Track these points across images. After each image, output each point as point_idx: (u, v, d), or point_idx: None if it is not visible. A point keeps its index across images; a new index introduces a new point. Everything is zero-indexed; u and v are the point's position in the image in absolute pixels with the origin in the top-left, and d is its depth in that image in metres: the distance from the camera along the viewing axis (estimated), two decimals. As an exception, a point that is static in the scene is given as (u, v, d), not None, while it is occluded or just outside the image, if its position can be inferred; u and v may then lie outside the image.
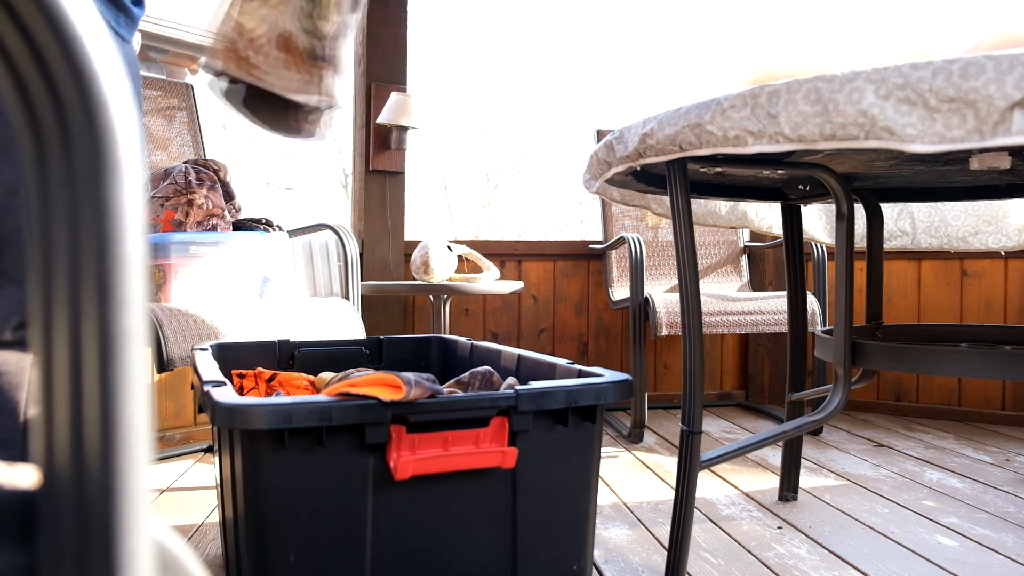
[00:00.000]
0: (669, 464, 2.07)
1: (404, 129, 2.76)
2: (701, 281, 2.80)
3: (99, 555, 0.22)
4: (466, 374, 1.16)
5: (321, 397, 0.85)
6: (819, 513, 1.64)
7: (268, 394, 1.27)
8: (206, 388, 0.90)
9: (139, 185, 0.24)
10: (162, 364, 1.56)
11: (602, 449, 1.03)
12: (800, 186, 1.50)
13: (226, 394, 0.86)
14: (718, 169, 1.27)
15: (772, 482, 1.87)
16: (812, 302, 2.33)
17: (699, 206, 1.74)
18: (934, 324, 1.69)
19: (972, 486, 1.84)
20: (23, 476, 0.24)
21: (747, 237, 2.97)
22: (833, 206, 1.62)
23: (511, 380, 1.10)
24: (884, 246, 1.65)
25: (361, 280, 2.44)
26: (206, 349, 1.28)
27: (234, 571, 1.03)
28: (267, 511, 0.84)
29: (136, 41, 1.05)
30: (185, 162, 2.10)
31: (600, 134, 2.85)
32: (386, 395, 0.84)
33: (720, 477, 1.93)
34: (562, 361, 1.13)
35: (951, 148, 0.81)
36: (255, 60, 0.82)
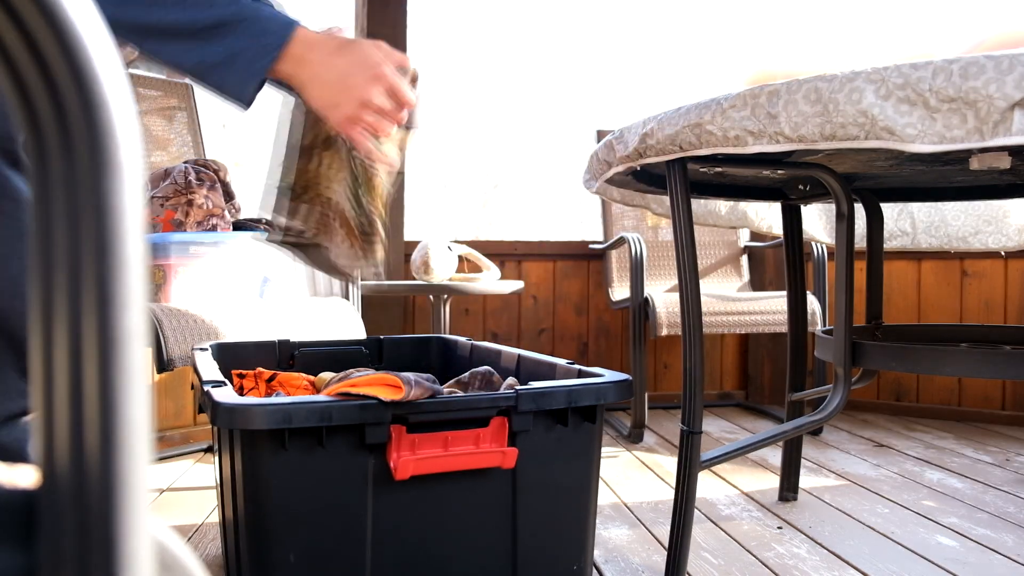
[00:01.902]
0: (669, 464, 2.07)
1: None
2: (701, 281, 2.80)
3: (99, 555, 0.22)
4: (466, 374, 1.16)
5: (321, 397, 0.85)
6: (819, 513, 1.64)
7: (268, 394, 1.27)
8: (206, 388, 0.90)
9: (139, 185, 0.24)
10: (162, 364, 1.56)
11: (602, 449, 1.03)
12: (800, 186, 1.50)
13: (226, 394, 0.86)
14: (718, 169, 1.27)
15: (772, 482, 1.87)
16: (812, 302, 2.33)
17: (699, 206, 1.74)
18: (934, 324, 1.69)
19: (972, 486, 1.84)
20: (23, 476, 0.24)
21: (747, 237, 2.97)
22: (833, 206, 1.62)
23: (511, 380, 1.10)
24: (884, 246, 1.65)
25: (361, 280, 2.44)
26: (206, 349, 1.28)
27: (234, 571, 1.03)
28: (267, 511, 0.84)
29: None
30: (185, 162, 2.10)
31: (600, 134, 2.85)
32: (386, 395, 0.84)
33: (720, 477, 1.93)
34: (562, 361, 1.13)
35: (951, 148, 0.81)
36: (333, 232, 0.85)
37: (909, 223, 2.08)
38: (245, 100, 0.78)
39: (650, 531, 1.53)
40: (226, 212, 2.06)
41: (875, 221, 1.56)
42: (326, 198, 0.87)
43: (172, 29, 0.72)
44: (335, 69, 0.75)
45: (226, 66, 0.74)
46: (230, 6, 0.73)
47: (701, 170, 1.30)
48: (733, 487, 1.84)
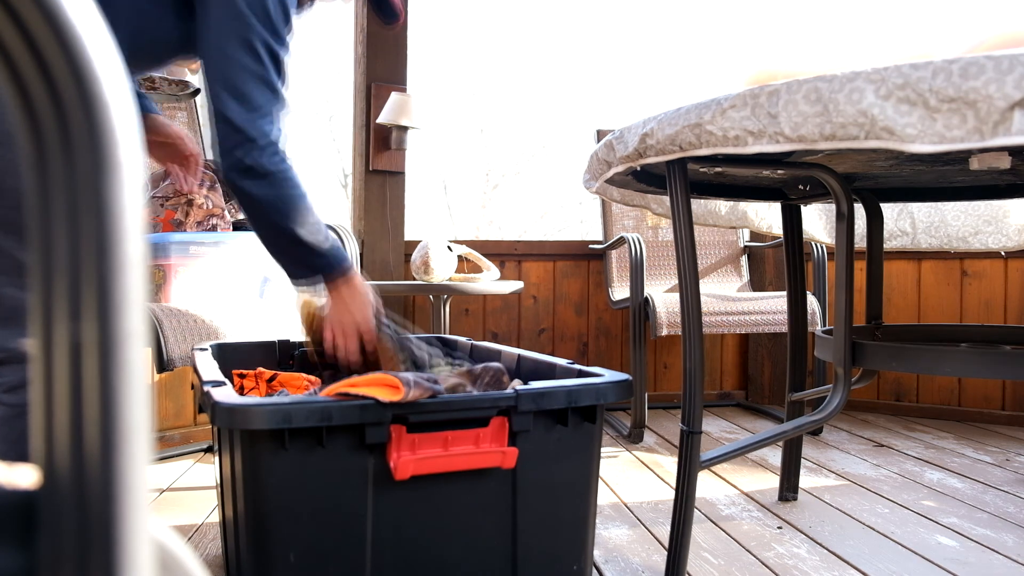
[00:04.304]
0: (669, 464, 2.07)
1: (404, 129, 2.76)
2: (701, 281, 2.80)
3: (99, 555, 0.22)
4: (479, 366, 1.15)
5: (321, 397, 0.85)
6: (819, 513, 1.64)
7: (269, 394, 1.27)
8: (206, 388, 0.90)
9: (139, 185, 0.24)
10: (162, 364, 1.56)
11: (602, 449, 1.03)
12: (800, 186, 1.50)
13: (226, 394, 0.86)
14: (718, 169, 1.27)
15: (772, 482, 1.87)
16: (812, 302, 2.33)
17: (699, 206, 1.74)
18: (934, 324, 1.69)
19: (972, 486, 1.84)
20: (23, 476, 0.24)
21: (747, 237, 2.97)
22: (833, 206, 1.62)
23: (517, 382, 1.10)
24: (884, 246, 1.65)
25: (361, 280, 2.44)
26: (206, 349, 1.28)
27: (234, 571, 1.03)
28: (267, 511, 0.84)
29: None
30: (185, 162, 2.09)
31: (600, 134, 2.85)
32: (385, 396, 0.84)
33: (720, 477, 1.93)
34: (562, 361, 1.13)
35: (951, 148, 0.81)
36: None
37: (909, 223, 2.08)
38: (296, 283, 1.20)
39: (650, 531, 1.53)
40: (226, 212, 2.06)
41: (875, 221, 1.56)
42: None
43: (302, 242, 1.13)
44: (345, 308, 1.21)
45: (308, 272, 1.18)
46: (330, 244, 1.19)
47: (701, 170, 1.30)
48: (733, 487, 1.84)
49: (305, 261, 1.16)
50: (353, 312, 1.21)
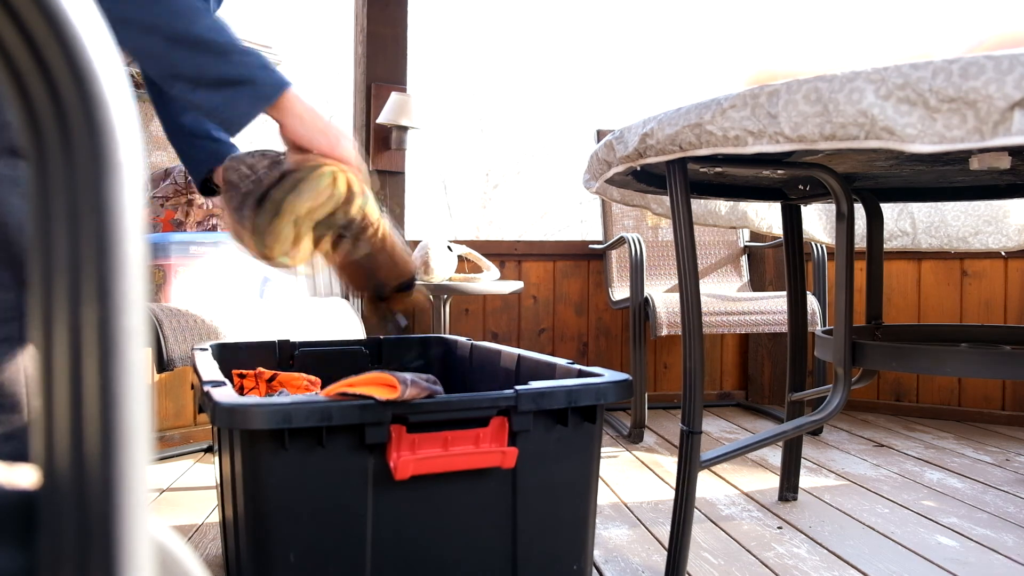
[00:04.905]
0: (669, 464, 2.07)
1: (404, 129, 2.76)
2: (701, 281, 2.80)
3: (99, 555, 0.22)
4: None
5: (321, 397, 0.85)
6: (819, 513, 1.64)
7: (269, 394, 1.27)
8: (206, 388, 0.90)
9: (139, 185, 0.24)
10: (162, 364, 1.56)
11: (602, 449, 1.03)
12: (800, 186, 1.50)
13: (226, 394, 0.86)
14: (718, 169, 1.27)
15: (772, 482, 1.87)
16: (812, 302, 2.33)
17: (699, 206, 1.74)
18: (934, 324, 1.69)
19: (972, 486, 1.84)
20: (23, 476, 0.24)
21: (747, 237, 2.97)
22: (833, 206, 1.62)
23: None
24: (884, 246, 1.65)
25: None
26: (206, 349, 1.28)
27: (234, 571, 1.03)
28: (267, 511, 0.84)
29: None
30: (185, 162, 2.10)
31: (600, 134, 2.85)
32: (382, 394, 0.84)
33: (720, 477, 1.93)
34: (562, 361, 1.13)
35: (951, 148, 0.81)
36: None
37: (909, 223, 2.08)
38: (233, 130, 0.93)
39: (650, 531, 1.53)
40: (226, 212, 2.06)
41: (875, 221, 1.56)
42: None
43: (214, 80, 0.87)
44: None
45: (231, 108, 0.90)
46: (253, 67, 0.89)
47: (701, 170, 1.30)
48: (733, 487, 1.84)
49: (229, 73, 0.86)
50: (324, 125, 0.97)
